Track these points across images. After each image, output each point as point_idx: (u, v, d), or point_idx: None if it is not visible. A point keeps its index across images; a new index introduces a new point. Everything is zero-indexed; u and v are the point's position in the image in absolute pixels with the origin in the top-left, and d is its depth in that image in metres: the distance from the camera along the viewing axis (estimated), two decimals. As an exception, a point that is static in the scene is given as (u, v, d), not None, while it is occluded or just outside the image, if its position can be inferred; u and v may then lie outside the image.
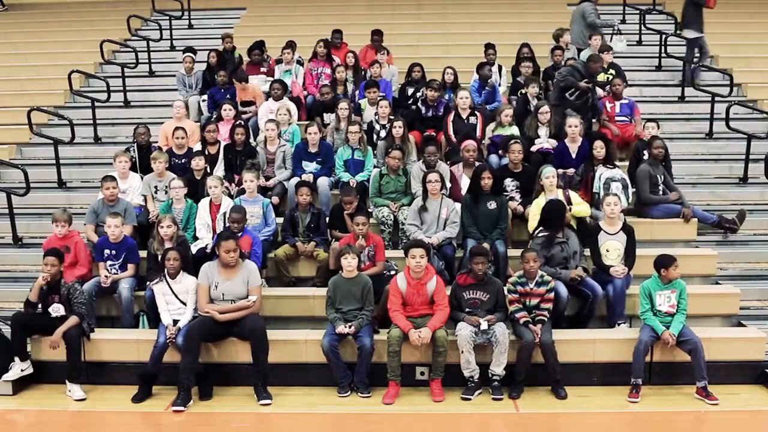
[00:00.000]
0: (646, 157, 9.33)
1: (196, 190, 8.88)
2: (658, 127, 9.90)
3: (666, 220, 9.01)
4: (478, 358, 7.12)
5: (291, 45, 11.96)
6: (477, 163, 8.82)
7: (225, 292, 7.22)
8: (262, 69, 11.80)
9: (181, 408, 6.84)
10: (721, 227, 9.22)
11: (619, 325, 7.63)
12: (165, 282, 7.37)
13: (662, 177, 9.14)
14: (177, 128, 9.72)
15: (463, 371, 7.09)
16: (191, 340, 7.01)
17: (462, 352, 7.02)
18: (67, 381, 7.20)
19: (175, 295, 7.35)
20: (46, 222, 9.57)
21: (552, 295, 7.29)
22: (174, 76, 12.10)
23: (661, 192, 9.11)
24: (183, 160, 9.50)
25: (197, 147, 9.77)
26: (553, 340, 7.09)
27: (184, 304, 7.34)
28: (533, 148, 9.57)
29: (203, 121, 10.85)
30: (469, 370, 7.08)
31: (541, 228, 7.92)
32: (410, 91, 11.00)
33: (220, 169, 9.53)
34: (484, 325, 7.04)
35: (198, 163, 9.15)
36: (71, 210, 8.53)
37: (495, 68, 11.51)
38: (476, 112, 9.97)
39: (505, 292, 7.35)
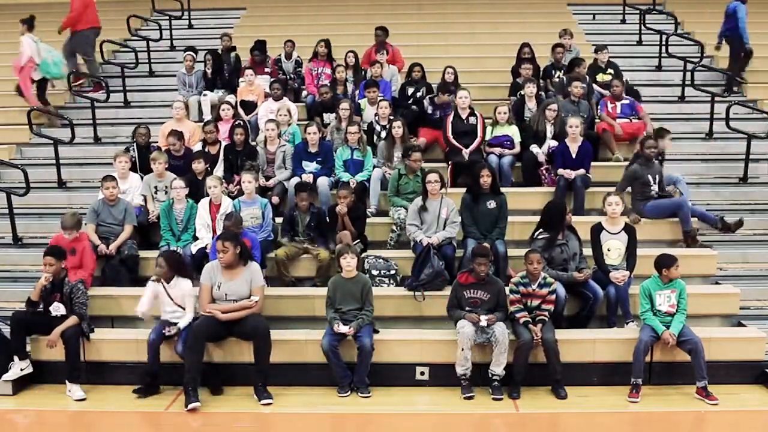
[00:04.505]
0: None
1: (197, 190, 8.87)
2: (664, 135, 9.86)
3: (666, 220, 9.01)
4: (479, 358, 7.12)
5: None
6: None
7: (228, 293, 7.22)
8: (266, 69, 11.78)
9: (197, 404, 6.81)
10: (717, 227, 9.20)
11: (627, 324, 7.61)
12: (161, 284, 7.36)
13: (656, 177, 9.04)
14: (171, 132, 9.62)
15: (457, 368, 7.07)
16: (197, 340, 7.01)
17: (462, 349, 7.01)
18: (67, 381, 7.20)
19: (171, 299, 7.34)
20: (46, 222, 9.61)
21: (554, 296, 7.28)
22: (174, 76, 12.09)
23: (654, 192, 8.97)
24: (181, 162, 9.47)
25: (197, 147, 9.76)
26: (556, 339, 7.09)
27: (180, 307, 7.32)
28: (532, 148, 9.63)
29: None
30: (465, 367, 7.06)
31: (541, 230, 7.91)
32: (410, 91, 10.99)
33: (220, 170, 9.52)
34: (483, 322, 7.03)
35: (197, 166, 9.11)
36: (71, 210, 8.50)
37: None
38: (476, 112, 9.96)
39: (507, 292, 7.35)
